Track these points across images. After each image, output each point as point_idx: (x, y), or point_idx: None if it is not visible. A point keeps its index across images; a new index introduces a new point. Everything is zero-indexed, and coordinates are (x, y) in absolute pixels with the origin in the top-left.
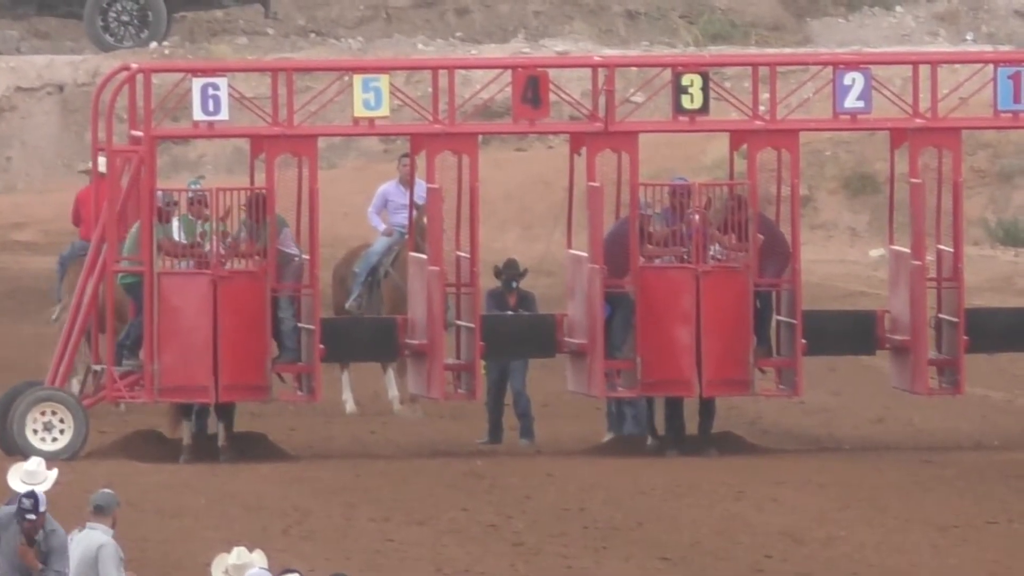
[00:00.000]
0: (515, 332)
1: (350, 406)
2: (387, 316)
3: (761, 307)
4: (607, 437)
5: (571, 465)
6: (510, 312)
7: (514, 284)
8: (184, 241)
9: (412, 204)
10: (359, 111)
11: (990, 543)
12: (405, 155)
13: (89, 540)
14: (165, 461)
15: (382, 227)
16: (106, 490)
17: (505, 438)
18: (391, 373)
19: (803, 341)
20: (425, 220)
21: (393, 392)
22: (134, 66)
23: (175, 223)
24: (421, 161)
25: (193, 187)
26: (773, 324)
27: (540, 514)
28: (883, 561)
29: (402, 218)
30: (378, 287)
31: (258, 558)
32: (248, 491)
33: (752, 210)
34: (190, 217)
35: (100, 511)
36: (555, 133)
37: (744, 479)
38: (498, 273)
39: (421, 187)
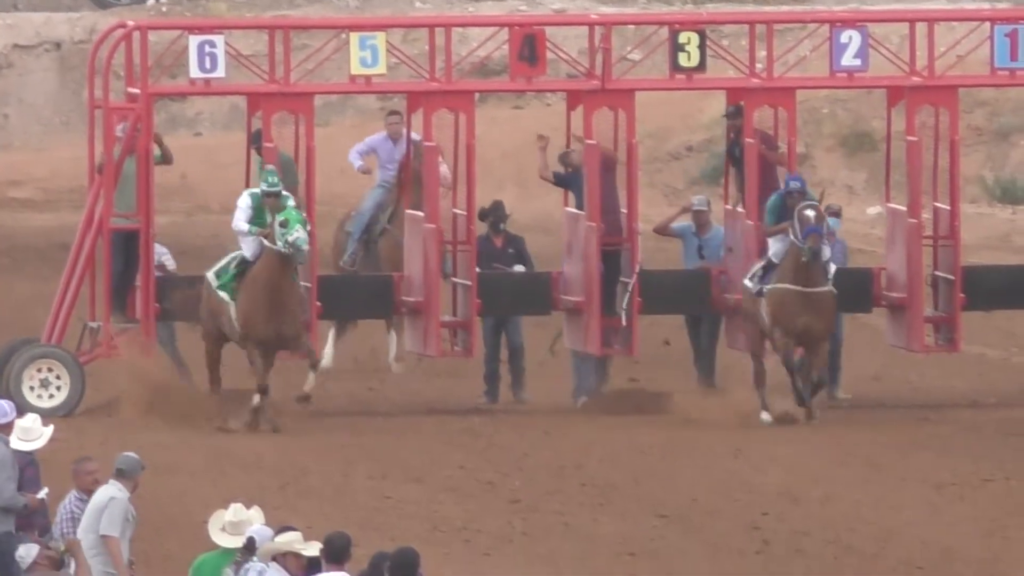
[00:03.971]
0: (511, 289)
1: (327, 361)
2: (384, 273)
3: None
4: (581, 401)
5: (568, 423)
6: (498, 253)
7: (501, 226)
8: (249, 226)
9: (409, 160)
10: (356, 69)
11: (986, 501)
12: (392, 112)
13: (103, 493)
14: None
15: (358, 163)
16: (130, 454)
17: (502, 397)
18: (393, 335)
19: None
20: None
21: (393, 353)
22: (131, 23)
23: (247, 198)
24: (415, 119)
25: (270, 178)
26: None
27: (537, 472)
28: (879, 519)
29: (390, 174)
30: (375, 244)
31: (255, 515)
32: (245, 449)
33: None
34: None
35: (122, 474)
36: (552, 91)
37: (741, 438)
38: (484, 216)
39: (400, 143)
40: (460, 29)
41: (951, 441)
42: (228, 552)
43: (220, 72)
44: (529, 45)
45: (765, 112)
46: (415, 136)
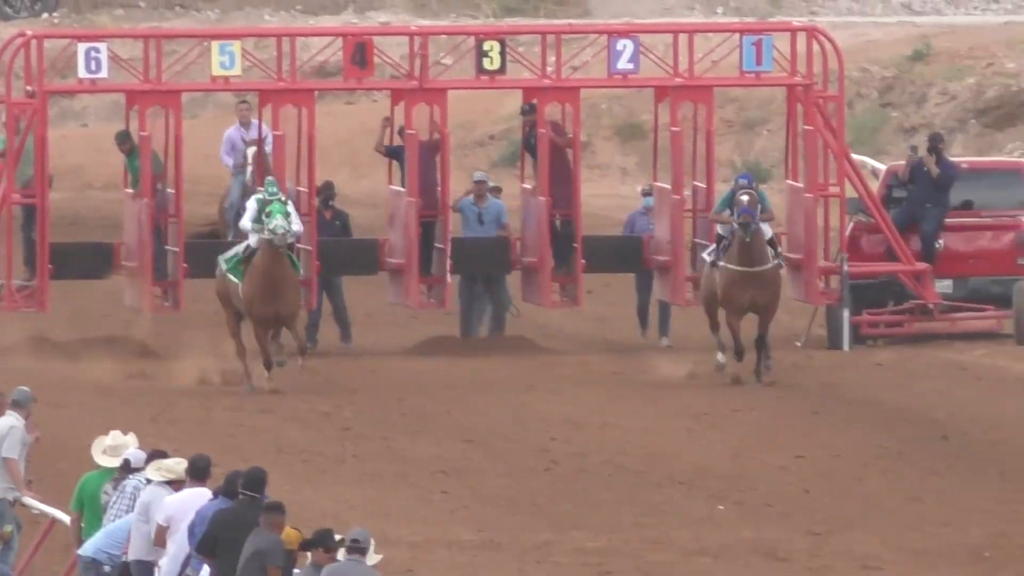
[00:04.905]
0: (345, 253)
1: None
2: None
3: (566, 232)
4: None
5: (391, 364)
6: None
7: (330, 202)
8: (255, 225)
9: (261, 142)
10: (216, 71)
11: (734, 428)
12: (242, 101)
13: (3, 422)
14: (54, 361)
15: (230, 163)
16: (24, 388)
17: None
18: None
19: (583, 261)
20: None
21: None
22: (29, 32)
23: (253, 203)
24: (265, 113)
25: (271, 188)
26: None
27: (365, 404)
28: (648, 443)
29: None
30: None
31: (131, 440)
32: (124, 387)
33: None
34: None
35: (17, 405)
36: (378, 89)
37: (534, 375)
38: (317, 192)
39: (262, 131)
40: (302, 38)
41: (707, 380)
42: (108, 471)
43: (104, 73)
44: (360, 51)
45: (554, 107)
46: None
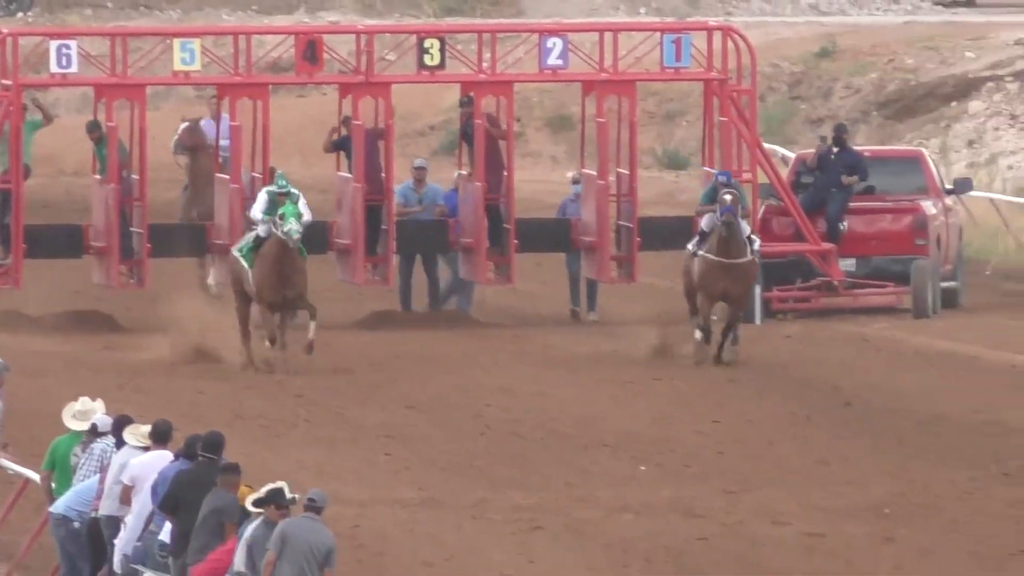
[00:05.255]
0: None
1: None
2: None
3: (497, 217)
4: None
5: (339, 336)
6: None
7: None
8: (264, 215)
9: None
10: (178, 66)
11: (656, 396)
12: (213, 96)
13: None
14: (28, 335)
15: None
16: None
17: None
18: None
19: (515, 242)
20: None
21: (212, 279)
22: (5, 31)
23: (264, 195)
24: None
25: (280, 182)
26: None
27: (318, 374)
28: (578, 410)
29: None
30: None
31: (99, 406)
32: (93, 358)
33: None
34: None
35: None
36: (328, 83)
37: (471, 348)
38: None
39: (225, 121)
40: (257, 36)
41: (631, 351)
42: (77, 434)
43: (74, 68)
44: (311, 49)
45: (490, 100)
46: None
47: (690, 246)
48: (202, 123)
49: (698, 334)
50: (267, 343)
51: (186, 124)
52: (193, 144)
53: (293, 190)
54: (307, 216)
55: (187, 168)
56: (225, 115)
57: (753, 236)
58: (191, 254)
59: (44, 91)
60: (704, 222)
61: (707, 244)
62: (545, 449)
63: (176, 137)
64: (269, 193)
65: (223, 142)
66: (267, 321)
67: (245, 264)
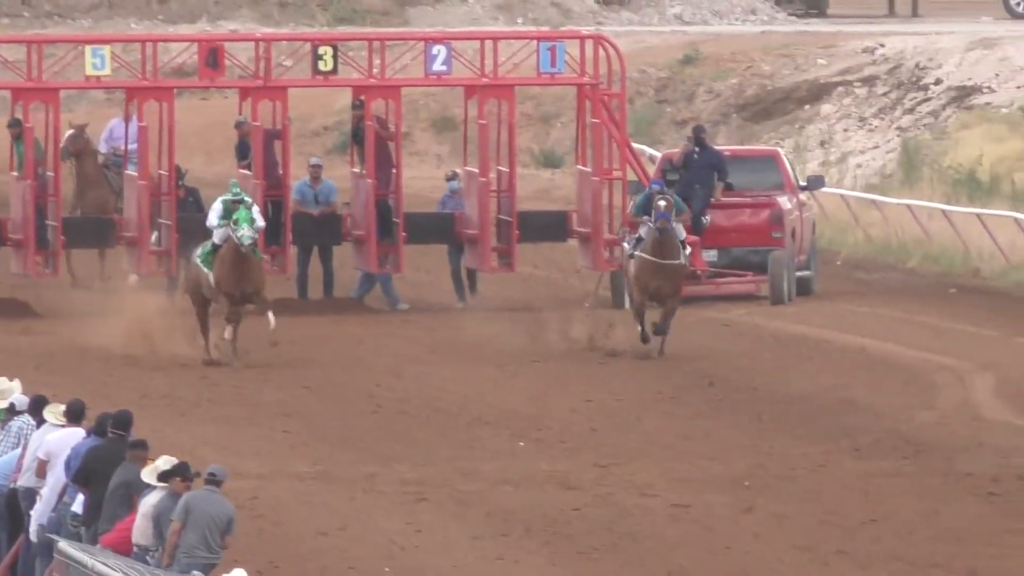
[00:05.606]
0: (199, 227)
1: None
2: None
3: (386, 211)
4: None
5: (243, 322)
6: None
7: (180, 183)
8: (219, 221)
9: (144, 135)
10: (89, 71)
11: (533, 376)
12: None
13: None
14: None
15: (104, 148)
16: None
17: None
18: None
19: (404, 234)
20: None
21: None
22: None
23: (219, 204)
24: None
25: (234, 190)
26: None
27: (218, 355)
28: (459, 389)
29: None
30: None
31: (16, 386)
32: (8, 341)
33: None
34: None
35: None
36: (228, 87)
37: (362, 332)
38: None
39: (131, 124)
40: (163, 43)
41: (510, 335)
42: None
43: None
44: (213, 55)
45: (379, 103)
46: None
47: (627, 247)
48: (113, 122)
49: (639, 329)
50: (227, 329)
51: (71, 132)
52: (76, 150)
53: (247, 198)
54: (260, 222)
55: (73, 171)
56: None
57: (685, 242)
58: (102, 246)
59: None
60: (643, 230)
61: (643, 245)
62: (430, 426)
63: (63, 144)
64: (224, 202)
65: (131, 146)
66: (230, 311)
67: (205, 269)
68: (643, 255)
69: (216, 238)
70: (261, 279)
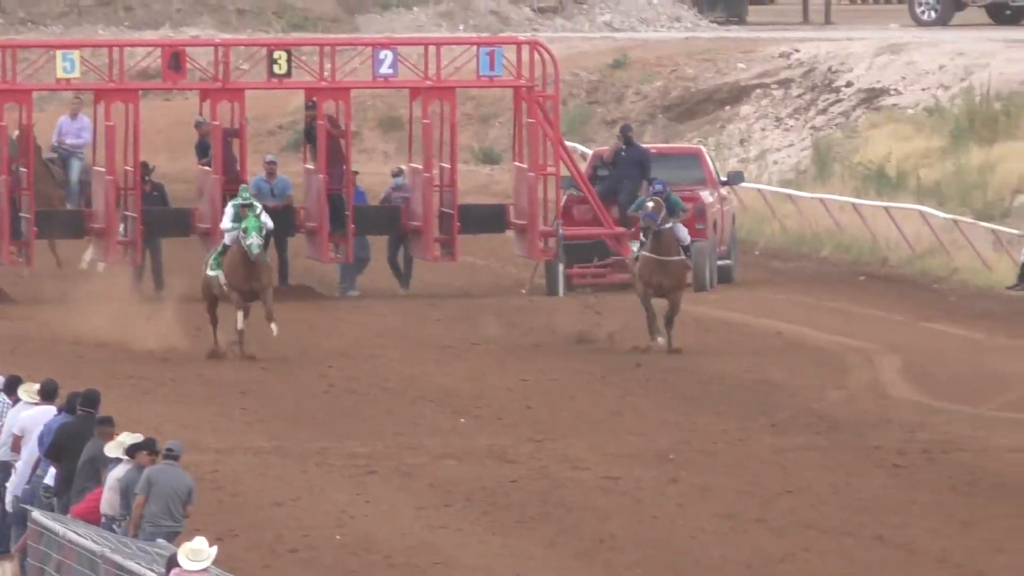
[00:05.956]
0: (163, 219)
1: (86, 263)
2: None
3: (338, 205)
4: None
5: (201, 306)
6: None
7: (148, 178)
8: (232, 224)
9: (112, 133)
10: (60, 74)
11: (473, 358)
12: (76, 96)
13: None
14: None
15: (53, 141)
16: None
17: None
18: (91, 247)
19: (353, 226)
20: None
21: (88, 258)
22: None
23: (230, 208)
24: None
25: (244, 195)
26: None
27: (179, 339)
28: (405, 370)
29: (77, 141)
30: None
31: None
32: None
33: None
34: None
35: None
36: (190, 89)
37: (315, 316)
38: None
39: (81, 120)
40: (129, 48)
41: (453, 320)
42: None
43: None
44: (175, 59)
45: (330, 104)
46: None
47: (634, 248)
48: (61, 120)
49: (661, 340)
50: (239, 319)
51: (17, 133)
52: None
53: (255, 203)
54: (269, 224)
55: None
56: (83, 116)
57: (686, 239)
58: (72, 236)
59: None
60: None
61: (645, 245)
62: (378, 405)
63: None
64: (234, 206)
65: (73, 140)
66: (237, 302)
67: (215, 272)
68: (645, 253)
69: (227, 239)
70: (268, 278)
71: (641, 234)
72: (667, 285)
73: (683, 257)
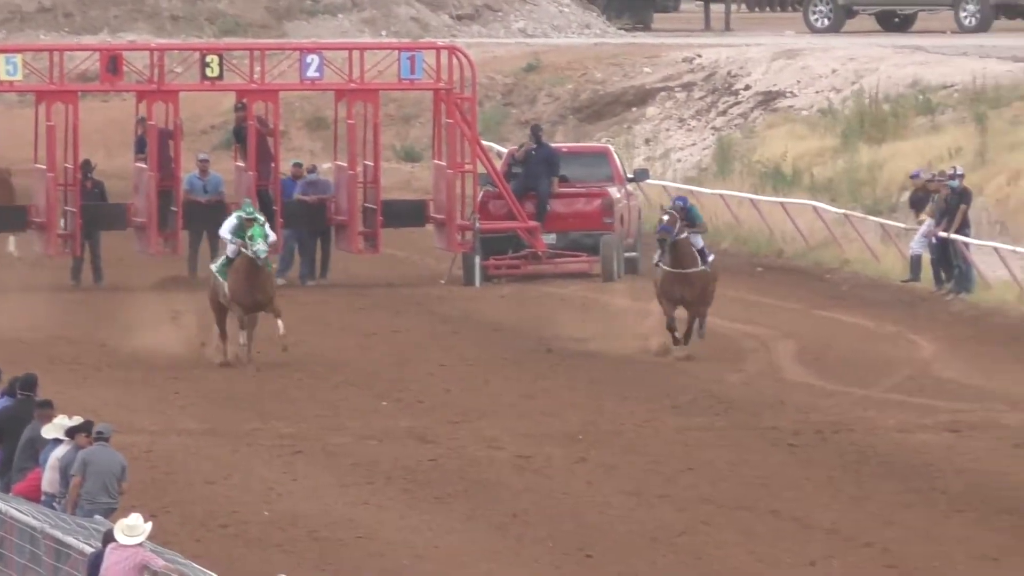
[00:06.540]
0: (101, 214)
1: (11, 247)
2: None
3: (267, 200)
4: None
5: (136, 297)
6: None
7: (89, 175)
8: (234, 236)
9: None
10: (3, 76)
11: (395, 343)
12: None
13: None
14: None
15: None
16: None
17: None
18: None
19: (280, 220)
20: None
21: (12, 246)
22: None
23: (233, 219)
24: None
25: (247, 208)
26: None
27: (117, 327)
28: (329, 355)
29: None
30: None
31: None
32: None
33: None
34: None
35: None
36: (127, 91)
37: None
38: (80, 168)
39: None
40: (69, 52)
41: (374, 308)
42: None
43: None
44: (113, 62)
45: (260, 105)
46: None
47: (656, 258)
48: None
49: (668, 333)
50: (240, 334)
51: None
52: None
53: (259, 216)
54: (272, 237)
55: None
56: None
57: (707, 250)
58: (13, 230)
59: None
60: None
61: (664, 258)
62: (304, 388)
63: None
64: (238, 218)
65: None
66: (240, 316)
67: (221, 279)
68: (665, 267)
69: (229, 252)
70: (272, 288)
71: (658, 248)
72: (689, 297)
73: (704, 267)
